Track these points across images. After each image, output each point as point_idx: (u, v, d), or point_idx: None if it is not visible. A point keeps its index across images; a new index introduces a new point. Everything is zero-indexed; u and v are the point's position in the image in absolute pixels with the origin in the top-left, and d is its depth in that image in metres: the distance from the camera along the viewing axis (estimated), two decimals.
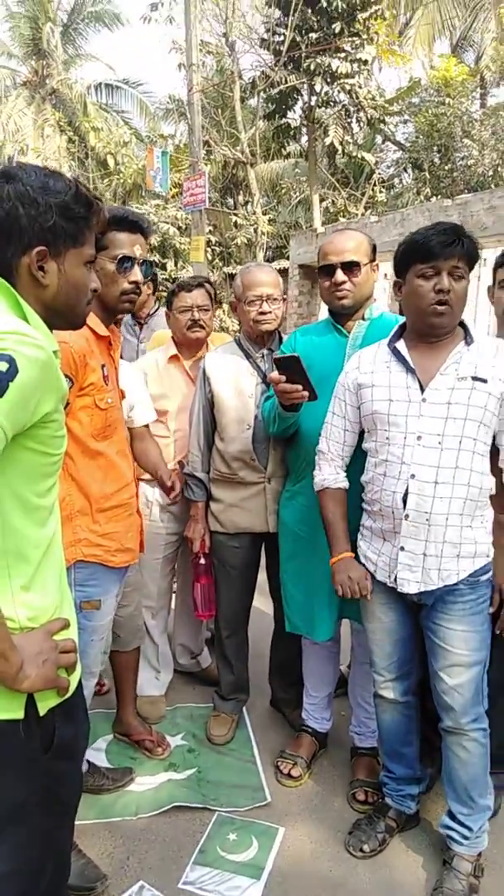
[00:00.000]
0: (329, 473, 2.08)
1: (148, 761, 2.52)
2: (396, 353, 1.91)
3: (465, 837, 1.97)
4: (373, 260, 2.22)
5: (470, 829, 1.97)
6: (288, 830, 2.20)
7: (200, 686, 3.04)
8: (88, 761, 2.35)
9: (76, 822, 1.45)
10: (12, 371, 1.01)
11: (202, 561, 2.63)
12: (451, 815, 2.01)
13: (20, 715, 1.13)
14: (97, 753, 2.54)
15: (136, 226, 1.90)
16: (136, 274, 1.90)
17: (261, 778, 2.45)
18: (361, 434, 2.05)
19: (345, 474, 2.08)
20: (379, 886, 1.99)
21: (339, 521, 2.05)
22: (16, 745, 1.13)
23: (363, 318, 2.25)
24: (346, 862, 2.07)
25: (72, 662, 1.20)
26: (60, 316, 1.23)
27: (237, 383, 2.50)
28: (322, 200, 13.98)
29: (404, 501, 1.84)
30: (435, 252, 1.76)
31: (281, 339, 2.56)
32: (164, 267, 14.19)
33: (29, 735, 1.14)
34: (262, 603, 2.90)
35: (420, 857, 2.10)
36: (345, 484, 2.07)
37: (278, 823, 2.23)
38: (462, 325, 1.90)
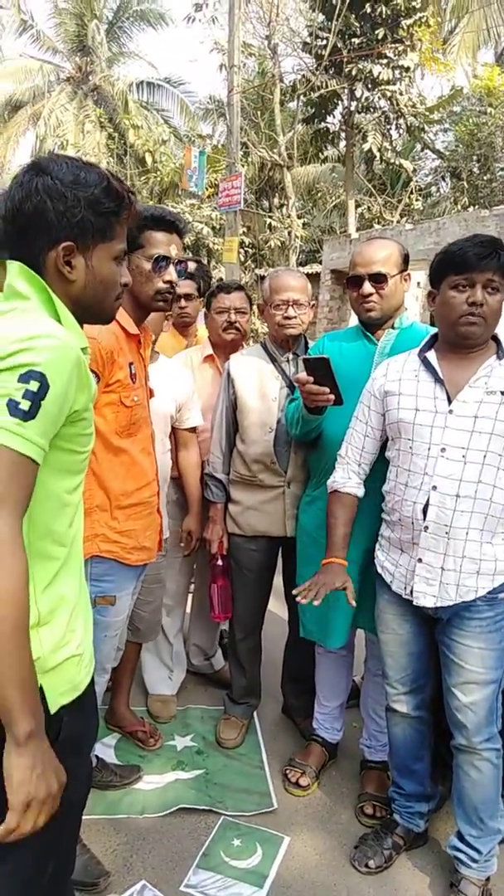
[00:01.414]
0: (341, 477, 2.06)
1: (156, 759, 2.51)
2: (426, 362, 1.89)
3: (474, 860, 1.93)
4: (404, 270, 2.20)
5: (479, 851, 1.93)
6: (293, 840, 2.18)
7: (212, 688, 3.03)
8: (97, 757, 2.36)
9: (82, 817, 1.45)
10: (43, 389, 1.00)
11: (219, 563, 2.63)
12: (460, 837, 1.97)
13: None
14: (106, 749, 2.54)
15: (172, 226, 1.91)
16: (172, 273, 1.90)
17: (268, 784, 2.43)
18: (384, 444, 2.02)
19: (359, 480, 2.06)
20: None
21: (341, 525, 2.02)
22: None
23: (393, 327, 2.23)
24: (350, 876, 2.04)
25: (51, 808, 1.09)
26: (89, 311, 1.22)
27: (261, 386, 2.49)
28: (358, 206, 13.94)
29: (424, 513, 1.82)
30: (470, 264, 1.74)
31: (307, 344, 2.55)
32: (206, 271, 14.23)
33: None
34: (277, 608, 2.88)
35: (426, 878, 2.06)
36: (356, 490, 2.05)
37: (284, 832, 2.21)
38: (495, 339, 1.87)
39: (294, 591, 1.95)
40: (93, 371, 1.72)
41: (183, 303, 3.05)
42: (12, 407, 0.99)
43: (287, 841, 2.17)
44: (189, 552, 2.63)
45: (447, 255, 1.80)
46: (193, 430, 2.56)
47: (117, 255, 1.22)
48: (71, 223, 1.13)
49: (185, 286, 2.97)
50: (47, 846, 1.21)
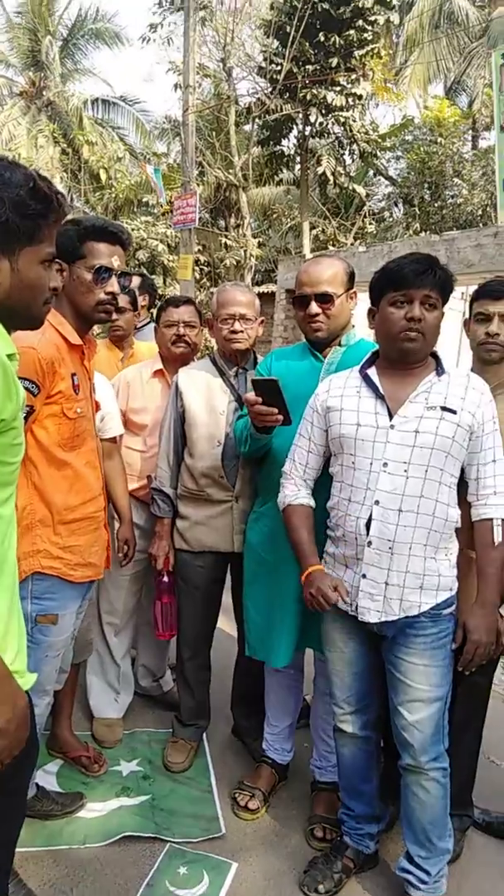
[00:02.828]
0: (291, 491, 2.04)
1: (100, 786, 2.42)
2: (367, 379, 1.90)
3: (423, 882, 1.91)
4: (349, 288, 2.21)
5: (428, 872, 1.91)
6: (241, 866, 2.12)
7: (161, 710, 2.95)
8: (38, 784, 2.26)
9: (19, 849, 1.38)
10: None
11: (165, 579, 2.58)
12: (410, 858, 1.95)
13: None
14: (47, 777, 2.43)
15: (115, 237, 1.88)
16: (113, 285, 1.87)
17: (216, 809, 2.36)
18: (328, 460, 2.02)
19: (308, 492, 2.04)
20: None
21: (306, 535, 1.99)
22: None
23: (340, 345, 2.24)
24: None
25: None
26: (15, 316, 1.17)
27: (209, 400, 2.47)
28: (312, 228, 14.17)
29: (367, 528, 1.81)
30: (408, 280, 1.76)
31: (256, 359, 2.54)
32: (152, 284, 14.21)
33: None
34: (228, 627, 2.83)
35: None
36: (308, 500, 2.03)
37: (232, 858, 2.14)
38: (434, 355, 1.90)
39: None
40: (31, 381, 1.67)
41: (115, 315, 3.01)
42: None
43: (235, 867, 2.11)
44: (127, 562, 2.56)
45: (385, 272, 1.83)
46: (114, 440, 2.52)
47: (45, 258, 1.18)
48: None
49: (119, 299, 2.95)
50: None
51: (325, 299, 2.14)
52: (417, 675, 1.84)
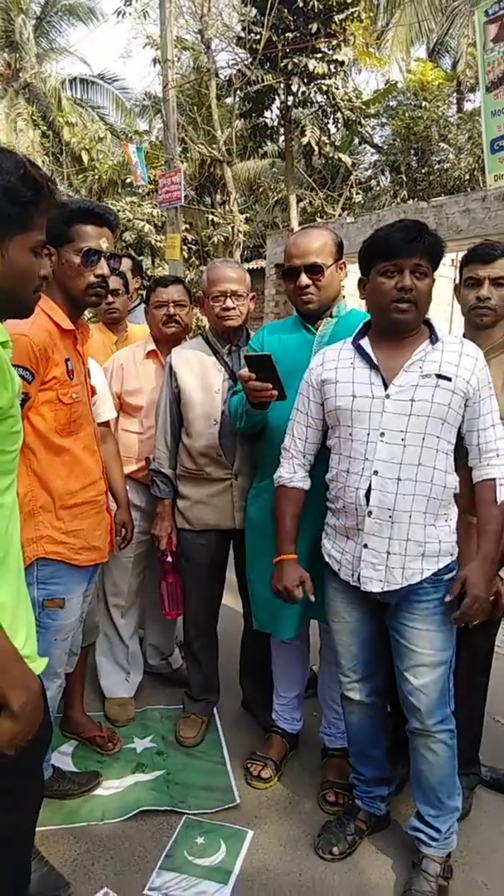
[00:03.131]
0: (287, 472, 2.06)
1: (115, 764, 2.47)
2: (360, 350, 1.90)
3: (434, 839, 1.96)
4: (338, 259, 2.20)
5: (438, 830, 1.96)
6: (257, 833, 2.17)
7: (171, 687, 2.99)
8: (53, 766, 2.30)
9: (39, 829, 1.41)
10: None
11: (169, 559, 2.60)
12: (420, 817, 2.00)
13: None
14: (63, 758, 2.48)
15: (102, 219, 1.86)
16: (103, 267, 1.86)
17: (230, 780, 2.41)
18: (326, 433, 2.03)
19: (305, 473, 2.06)
20: (348, 889, 1.97)
21: (288, 520, 2.03)
22: None
23: (331, 316, 2.23)
24: (315, 864, 2.05)
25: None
26: (5, 304, 1.17)
27: (204, 378, 2.47)
28: (299, 201, 14.00)
29: (367, 498, 1.83)
30: (396, 249, 1.75)
31: (248, 335, 2.53)
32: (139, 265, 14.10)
33: None
34: (233, 602, 2.87)
35: (389, 859, 2.08)
36: (302, 483, 2.05)
37: (247, 826, 2.20)
38: (427, 323, 1.89)
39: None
40: (25, 368, 1.67)
41: (109, 298, 3.00)
42: None
43: (251, 835, 2.16)
44: (125, 545, 2.58)
45: (374, 242, 1.82)
46: (107, 423, 2.52)
47: (35, 246, 1.17)
48: None
49: (111, 282, 2.94)
50: None
51: (315, 270, 2.13)
52: (421, 641, 1.87)
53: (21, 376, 1.62)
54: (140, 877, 1.97)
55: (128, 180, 15.94)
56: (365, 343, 1.90)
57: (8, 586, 1.17)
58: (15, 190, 1.09)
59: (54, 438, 1.81)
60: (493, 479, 1.83)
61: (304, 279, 2.14)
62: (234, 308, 2.40)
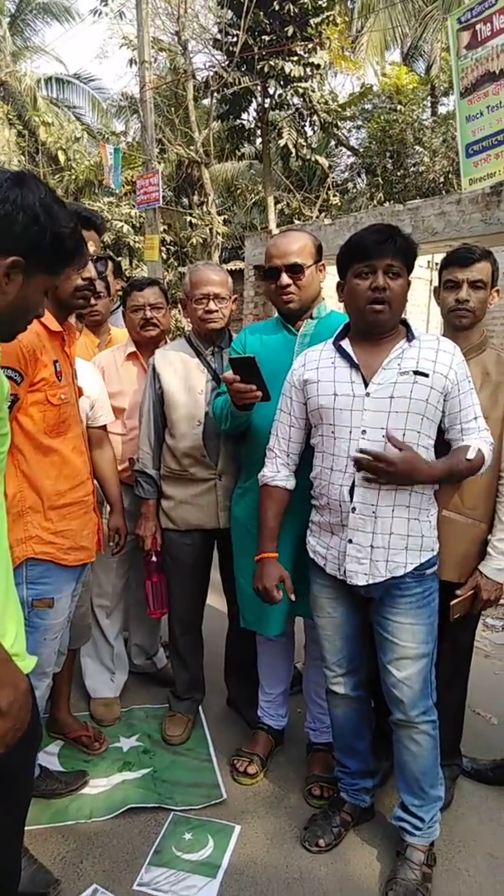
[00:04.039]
0: (271, 471, 2.10)
1: (102, 763, 2.48)
2: (341, 350, 1.94)
3: (418, 828, 2.01)
4: (318, 260, 2.24)
5: (422, 819, 2.01)
6: (244, 828, 2.20)
7: (156, 687, 3.01)
8: (41, 766, 2.31)
9: (27, 828, 1.42)
10: None
11: (153, 558, 2.62)
12: (404, 807, 2.04)
13: None
14: (49, 757, 2.49)
15: (88, 222, 1.89)
16: (90, 270, 1.88)
17: (217, 776, 2.44)
18: (310, 432, 2.07)
19: (289, 473, 2.10)
20: (335, 880, 2.01)
21: (271, 519, 2.07)
22: None
23: (311, 317, 2.28)
24: (302, 857, 2.08)
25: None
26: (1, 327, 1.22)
27: (187, 379, 2.50)
28: (277, 202, 14.05)
29: (351, 494, 1.87)
30: (369, 251, 1.82)
31: (231, 337, 2.57)
32: (119, 266, 14.03)
33: None
34: (217, 601, 2.89)
35: (375, 850, 2.13)
36: (286, 483, 2.09)
37: (234, 821, 2.22)
38: (404, 323, 1.95)
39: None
40: (14, 369, 1.69)
41: (92, 301, 3.00)
42: None
43: (238, 829, 2.19)
44: (118, 550, 2.59)
45: (349, 245, 1.88)
46: (104, 427, 2.53)
47: (48, 289, 1.25)
48: (31, 243, 1.14)
49: None
50: None
51: (296, 270, 2.18)
52: (404, 634, 1.92)
53: (10, 378, 1.64)
54: (129, 873, 1.99)
55: (105, 180, 15.87)
56: (346, 344, 1.95)
57: None
58: (64, 239, 1.20)
59: (43, 439, 1.82)
60: (469, 446, 1.88)
61: (285, 279, 2.18)
62: (216, 311, 2.43)
